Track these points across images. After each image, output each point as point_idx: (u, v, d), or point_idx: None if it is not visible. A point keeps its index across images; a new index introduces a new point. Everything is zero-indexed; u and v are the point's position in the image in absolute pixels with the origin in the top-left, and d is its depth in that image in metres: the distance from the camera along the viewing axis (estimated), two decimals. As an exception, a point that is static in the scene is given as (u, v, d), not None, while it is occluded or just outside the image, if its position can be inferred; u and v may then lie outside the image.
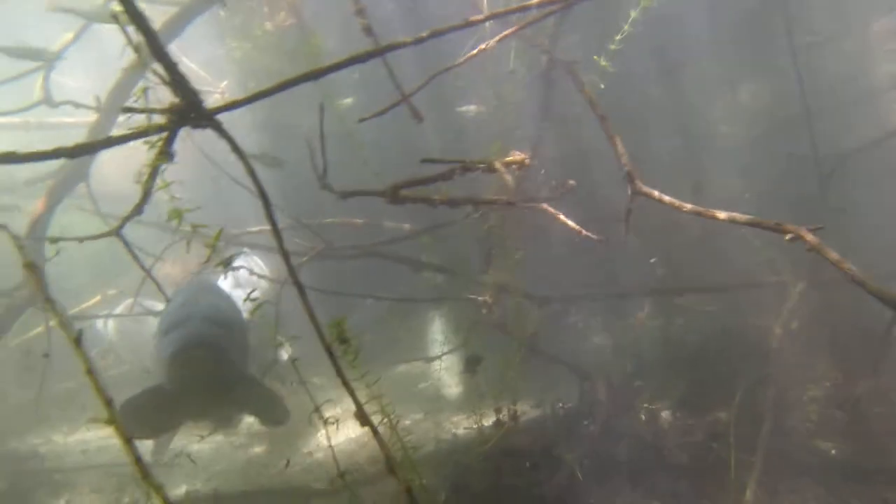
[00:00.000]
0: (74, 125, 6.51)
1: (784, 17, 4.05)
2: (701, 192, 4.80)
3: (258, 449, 6.11)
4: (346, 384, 1.99)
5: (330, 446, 2.31)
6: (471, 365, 3.63)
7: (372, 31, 2.80)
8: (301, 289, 1.96)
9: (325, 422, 1.87)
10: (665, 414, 4.16)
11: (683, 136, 6.09)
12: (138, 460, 1.39)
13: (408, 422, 6.39)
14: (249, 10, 6.93)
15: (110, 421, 1.30)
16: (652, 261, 5.57)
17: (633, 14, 3.00)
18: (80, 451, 5.78)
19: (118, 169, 7.81)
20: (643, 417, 4.13)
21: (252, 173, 1.94)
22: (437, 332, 5.71)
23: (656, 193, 3.03)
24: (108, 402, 1.31)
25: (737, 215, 2.55)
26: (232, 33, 7.03)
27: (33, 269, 1.42)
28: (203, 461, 5.49)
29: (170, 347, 3.49)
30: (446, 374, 5.96)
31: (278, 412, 4.20)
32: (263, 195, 1.95)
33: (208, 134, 2.14)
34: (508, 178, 2.35)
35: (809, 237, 2.26)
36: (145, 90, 1.86)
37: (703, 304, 6.04)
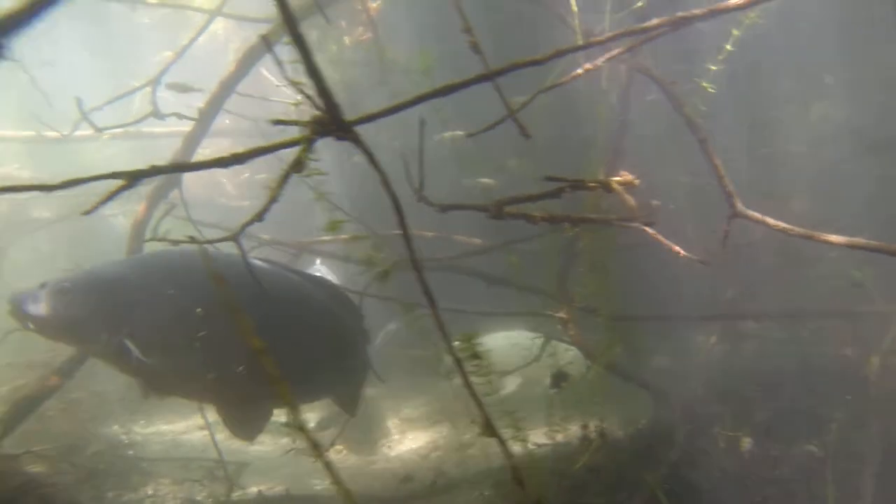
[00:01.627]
0: (165, 134, 6.87)
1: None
2: None
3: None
4: (474, 396, 2.03)
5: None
6: (557, 381, 3.63)
7: (479, 48, 2.87)
8: (431, 299, 2.01)
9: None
10: (747, 443, 4.02)
11: (761, 156, 5.94)
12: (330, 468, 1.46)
13: (468, 436, 6.42)
14: (325, 24, 7.20)
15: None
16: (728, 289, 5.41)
17: (735, 32, 2.97)
18: (157, 443, 6.04)
19: (199, 178, 8.20)
20: (723, 444, 4.00)
21: (387, 185, 2.02)
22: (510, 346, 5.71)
23: (758, 215, 2.98)
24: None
25: (857, 240, 2.47)
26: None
27: (222, 282, 1.52)
28: (270, 464, 5.65)
29: None
30: (514, 388, 5.95)
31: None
32: (398, 208, 2.02)
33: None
34: (629, 198, 2.36)
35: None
36: (297, 104, 1.97)
37: (775, 330, 5.84)
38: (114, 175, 1.75)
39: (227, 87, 4.95)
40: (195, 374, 3.63)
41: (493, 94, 2.59)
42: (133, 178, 1.81)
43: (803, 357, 4.73)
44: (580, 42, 3.85)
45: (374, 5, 5.96)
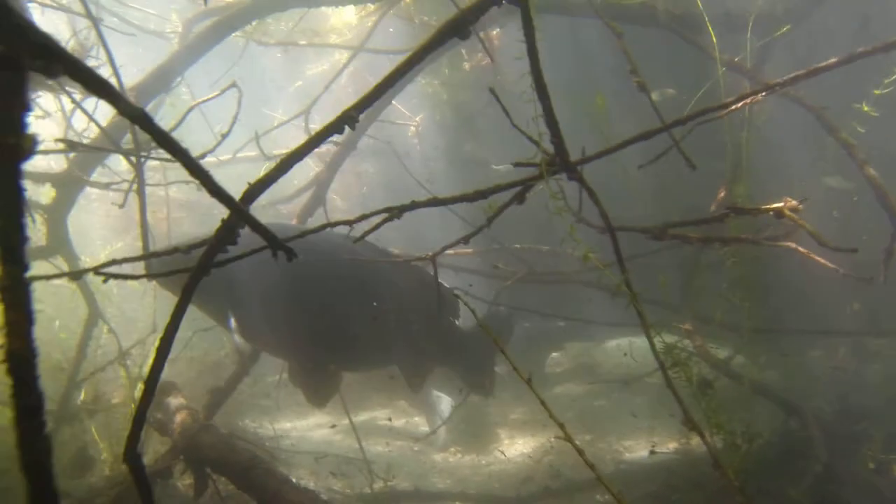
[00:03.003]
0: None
1: None
2: None
3: (437, 456, 6.60)
4: (679, 401, 2.26)
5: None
6: (702, 388, 3.77)
7: (646, 87, 3.12)
8: (642, 316, 2.28)
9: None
10: (904, 467, 3.91)
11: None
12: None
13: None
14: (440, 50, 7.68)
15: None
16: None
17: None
18: (286, 438, 6.60)
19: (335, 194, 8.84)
20: (873, 466, 3.95)
21: (605, 216, 2.30)
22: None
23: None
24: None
25: None
26: (423, 71, 7.79)
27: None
28: (393, 462, 6.05)
29: None
30: (617, 397, 6.08)
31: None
32: (612, 232, 2.30)
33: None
34: (806, 224, 2.52)
35: None
36: (537, 149, 2.28)
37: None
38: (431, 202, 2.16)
39: (370, 115, 5.44)
40: (273, 339, 4.36)
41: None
42: (400, 212, 2.21)
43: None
44: (723, 66, 4.03)
45: (495, 33, 6.32)
